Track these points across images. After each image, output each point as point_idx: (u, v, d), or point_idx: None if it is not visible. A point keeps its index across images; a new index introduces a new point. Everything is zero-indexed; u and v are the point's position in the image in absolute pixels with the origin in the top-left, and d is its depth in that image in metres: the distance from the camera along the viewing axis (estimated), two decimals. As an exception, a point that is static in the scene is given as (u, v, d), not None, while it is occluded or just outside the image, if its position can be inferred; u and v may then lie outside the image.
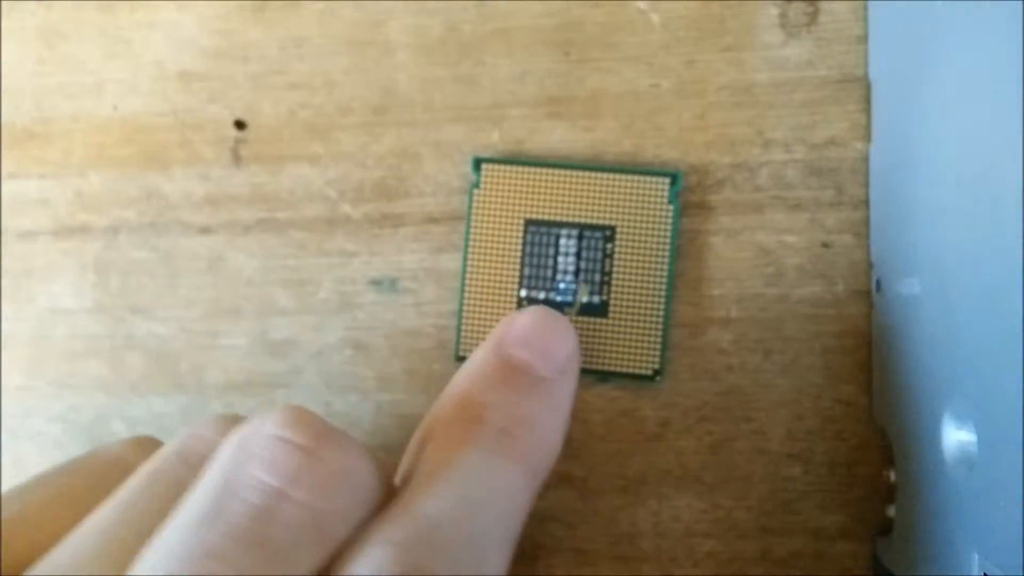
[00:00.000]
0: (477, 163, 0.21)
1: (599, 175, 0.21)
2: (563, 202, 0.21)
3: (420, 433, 0.16)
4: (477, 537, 0.13)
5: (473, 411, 0.15)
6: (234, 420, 0.16)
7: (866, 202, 0.21)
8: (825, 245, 0.21)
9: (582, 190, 0.21)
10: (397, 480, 0.15)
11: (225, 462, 0.13)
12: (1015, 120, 0.14)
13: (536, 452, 0.15)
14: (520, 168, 0.21)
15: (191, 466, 0.15)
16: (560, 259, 0.21)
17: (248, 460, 0.12)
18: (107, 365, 0.22)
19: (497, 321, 0.21)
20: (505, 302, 0.21)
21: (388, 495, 0.14)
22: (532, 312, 0.17)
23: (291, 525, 0.12)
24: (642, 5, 0.22)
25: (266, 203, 0.22)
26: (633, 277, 0.21)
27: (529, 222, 0.21)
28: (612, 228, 0.21)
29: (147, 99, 0.23)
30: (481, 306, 0.21)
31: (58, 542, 0.13)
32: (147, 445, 0.17)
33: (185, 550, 0.11)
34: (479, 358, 0.17)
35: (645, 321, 0.21)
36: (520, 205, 0.21)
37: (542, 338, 0.17)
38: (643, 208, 0.21)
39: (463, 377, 0.16)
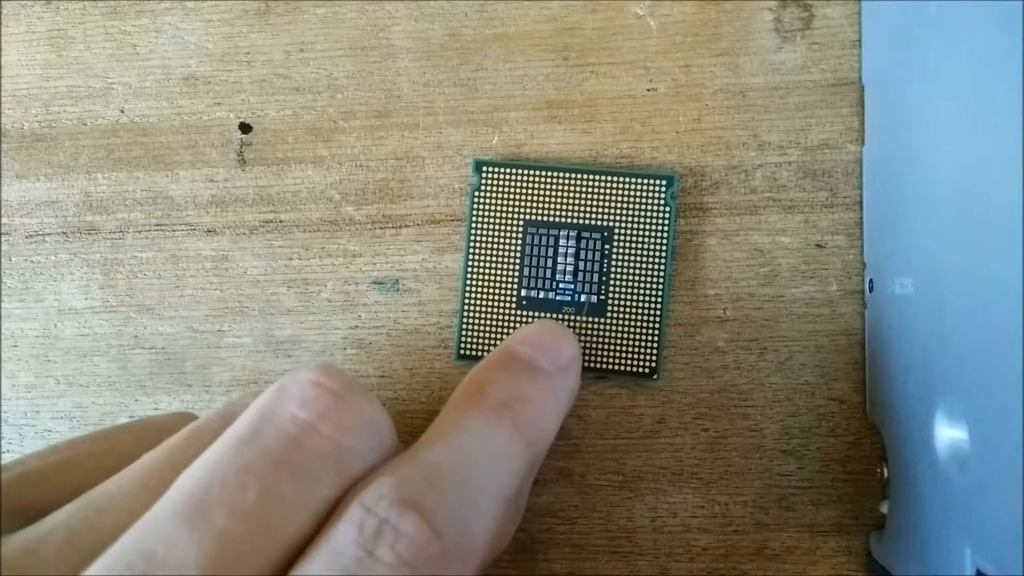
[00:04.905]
0: (478, 165, 0.22)
1: (597, 177, 0.21)
2: (562, 204, 0.21)
3: None
4: (468, 484, 0.15)
5: (476, 388, 0.17)
6: None
7: (859, 203, 0.21)
8: (819, 246, 0.21)
9: (580, 192, 0.21)
10: None
11: (265, 399, 0.15)
12: (1008, 122, 0.14)
13: (530, 426, 0.17)
14: (520, 170, 0.21)
15: (230, 423, 0.16)
16: (559, 260, 0.21)
17: (285, 398, 0.14)
18: (114, 364, 0.23)
19: (497, 321, 0.21)
20: (505, 302, 0.21)
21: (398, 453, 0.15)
22: (538, 322, 0.19)
23: (315, 454, 0.14)
24: (639, 10, 0.22)
25: (271, 205, 0.23)
26: (631, 277, 0.21)
27: (528, 223, 0.21)
28: (610, 229, 0.21)
29: (153, 102, 0.23)
30: (481, 306, 0.21)
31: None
32: (188, 418, 0.19)
33: (223, 463, 0.13)
34: (488, 356, 0.18)
35: (642, 320, 0.21)
36: (520, 206, 0.21)
37: (544, 339, 0.18)
38: (640, 209, 0.21)
39: (473, 369, 0.18)
